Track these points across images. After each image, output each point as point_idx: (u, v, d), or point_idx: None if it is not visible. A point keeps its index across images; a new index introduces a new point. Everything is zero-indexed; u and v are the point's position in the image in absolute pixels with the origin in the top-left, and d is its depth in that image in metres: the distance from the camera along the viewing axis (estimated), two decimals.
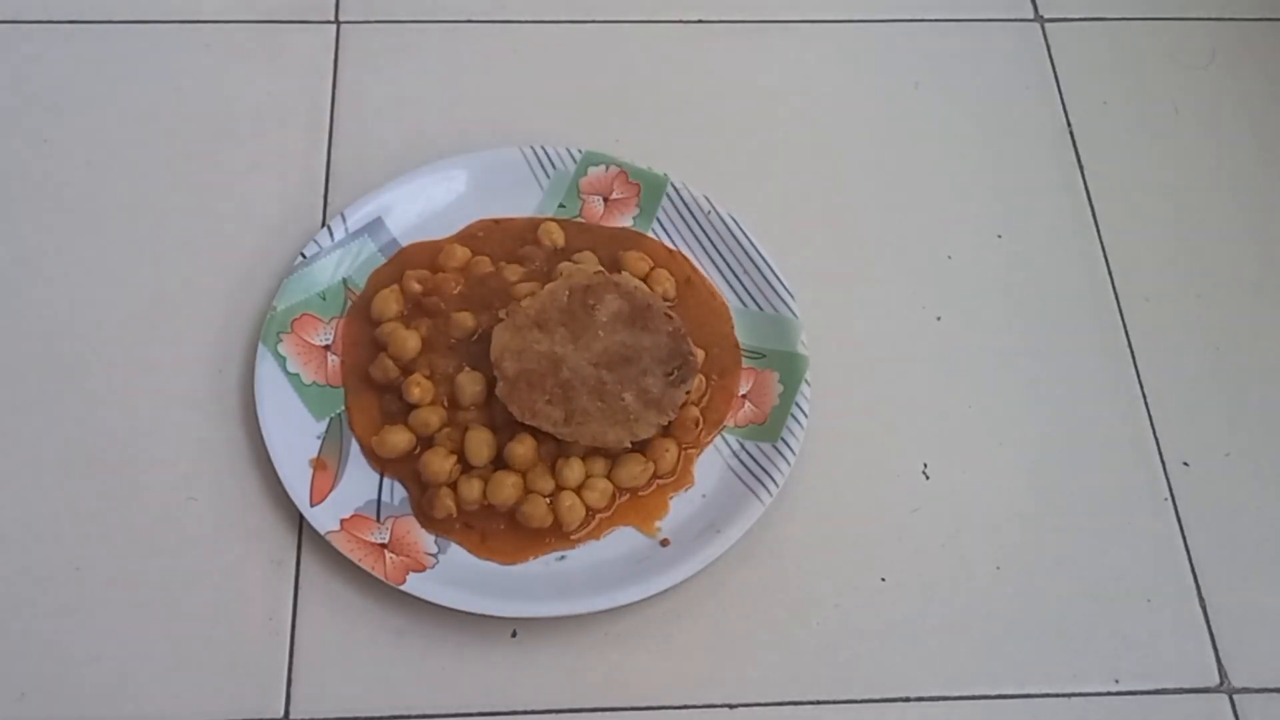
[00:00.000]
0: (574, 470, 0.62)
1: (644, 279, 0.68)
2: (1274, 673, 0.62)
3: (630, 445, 0.63)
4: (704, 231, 0.70)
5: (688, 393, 0.64)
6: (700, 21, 0.80)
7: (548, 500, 0.62)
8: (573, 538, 0.62)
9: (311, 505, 0.62)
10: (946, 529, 0.65)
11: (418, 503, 0.63)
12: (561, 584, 0.61)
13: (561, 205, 0.72)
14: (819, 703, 0.60)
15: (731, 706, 0.60)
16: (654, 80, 0.78)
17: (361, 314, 0.67)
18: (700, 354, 0.66)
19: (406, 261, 0.69)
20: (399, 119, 0.75)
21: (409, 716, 0.59)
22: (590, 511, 0.63)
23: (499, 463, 0.63)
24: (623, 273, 0.67)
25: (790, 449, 0.64)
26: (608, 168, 0.72)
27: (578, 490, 0.63)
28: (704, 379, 0.66)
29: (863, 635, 0.62)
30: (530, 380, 0.62)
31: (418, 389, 0.64)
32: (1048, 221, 0.74)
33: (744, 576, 0.63)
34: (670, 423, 0.63)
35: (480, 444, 0.63)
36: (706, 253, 0.70)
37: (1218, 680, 0.62)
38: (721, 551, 0.61)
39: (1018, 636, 0.62)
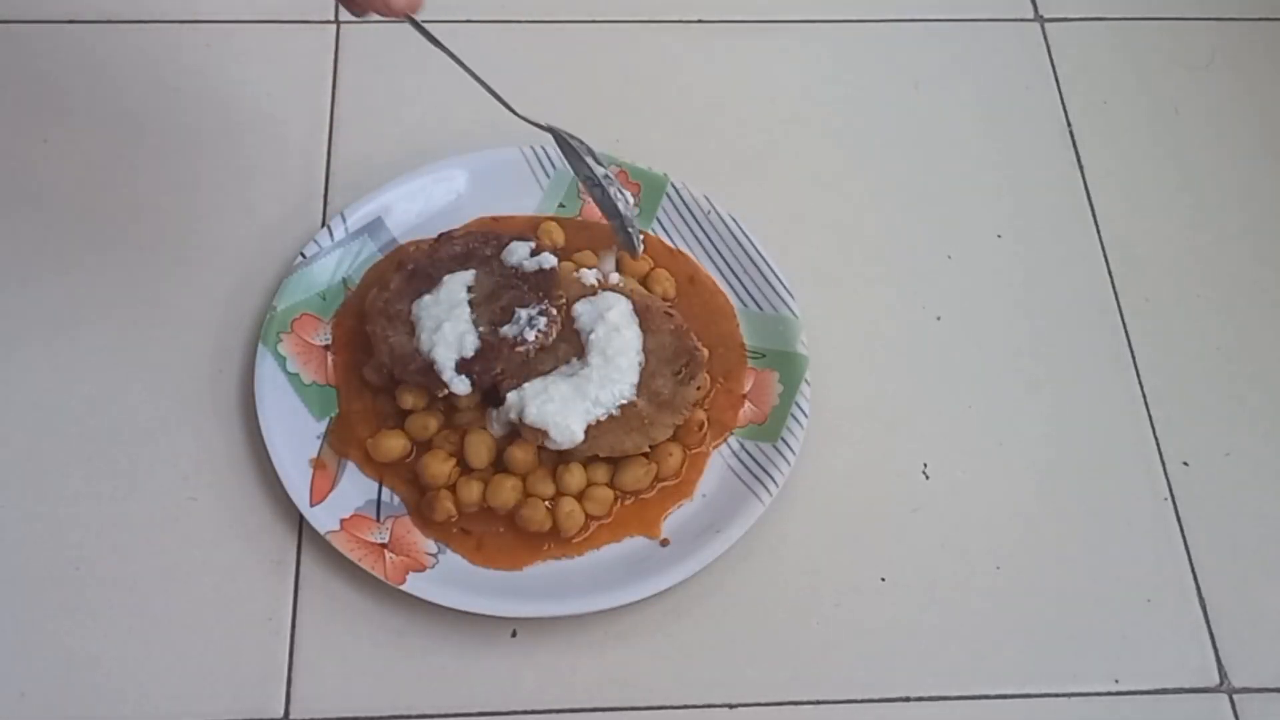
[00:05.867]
0: (575, 476, 0.62)
1: (644, 279, 0.68)
2: (1274, 673, 0.62)
3: (650, 449, 0.63)
4: (704, 231, 0.70)
5: (699, 388, 0.64)
6: (700, 21, 0.80)
7: (547, 505, 0.62)
8: (574, 541, 0.62)
9: (311, 505, 0.62)
10: (946, 529, 0.65)
11: (415, 507, 0.63)
12: (561, 584, 0.61)
13: (561, 205, 0.72)
14: (819, 703, 0.60)
15: (731, 706, 0.60)
16: (654, 80, 0.78)
17: (355, 311, 0.67)
18: (704, 351, 0.65)
19: (401, 255, 0.69)
20: (399, 119, 0.75)
21: (409, 716, 0.59)
22: (590, 518, 0.63)
23: (499, 465, 0.63)
24: (616, 277, 0.67)
25: (790, 449, 0.64)
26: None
27: (578, 497, 0.62)
28: (708, 379, 0.66)
29: (863, 635, 0.62)
30: None
31: (410, 395, 0.64)
32: (1048, 221, 0.74)
33: (744, 576, 0.63)
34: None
35: (480, 446, 0.63)
36: (706, 253, 0.70)
37: (1218, 680, 0.62)
38: (721, 551, 0.61)
39: (1018, 636, 0.62)
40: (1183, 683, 0.62)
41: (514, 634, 0.61)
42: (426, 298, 0.64)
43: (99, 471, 0.64)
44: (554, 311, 0.63)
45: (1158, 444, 0.67)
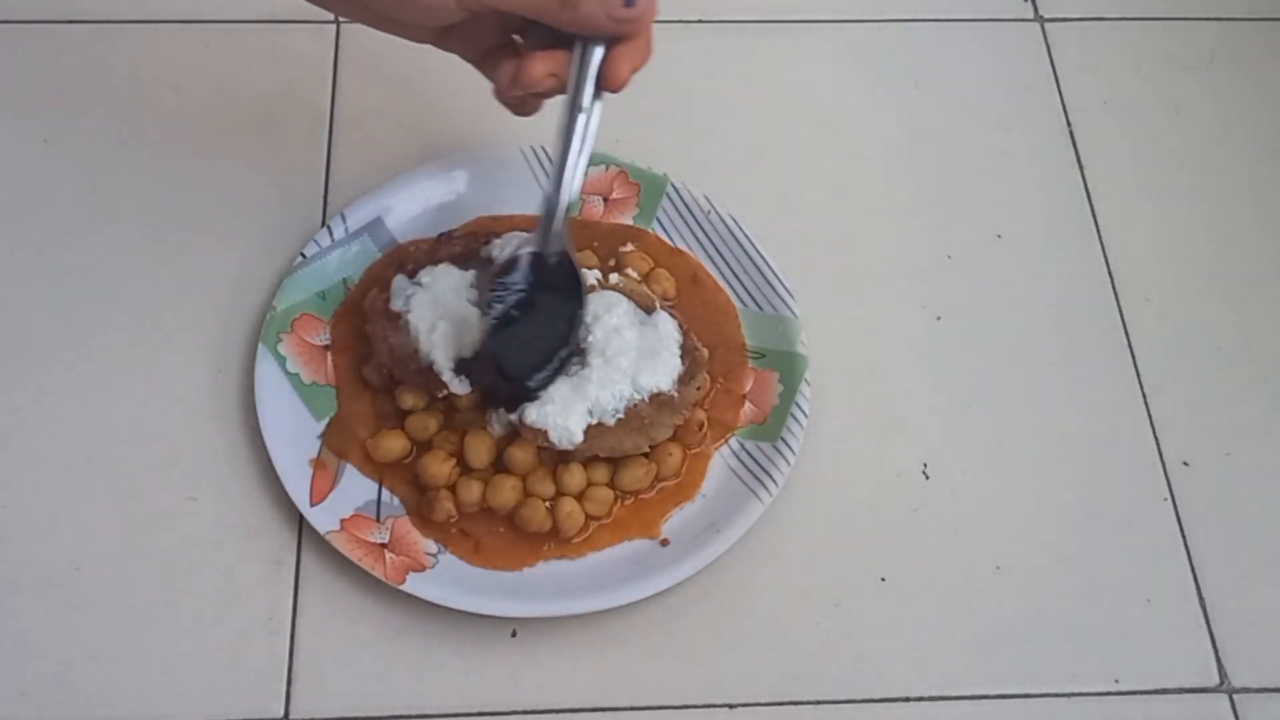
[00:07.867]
0: (575, 476, 0.62)
1: (644, 278, 0.68)
2: (1274, 673, 0.62)
3: (649, 449, 0.63)
4: (704, 231, 0.70)
5: (699, 389, 0.64)
6: (700, 21, 0.80)
7: (547, 505, 0.62)
8: (574, 541, 0.62)
9: (311, 505, 0.62)
10: (946, 529, 0.65)
11: (415, 507, 0.63)
12: (561, 584, 0.61)
13: None
14: (819, 703, 0.60)
15: (731, 706, 0.60)
16: (654, 80, 0.77)
17: (355, 311, 0.67)
18: (704, 351, 0.65)
19: (401, 255, 0.69)
20: (399, 119, 0.75)
21: (409, 716, 0.59)
22: (590, 518, 0.63)
23: (499, 465, 0.63)
24: (615, 276, 0.67)
25: (790, 449, 0.64)
26: (608, 168, 0.72)
27: (578, 497, 0.62)
28: (708, 379, 0.66)
29: (863, 635, 0.62)
30: None
31: (411, 396, 0.64)
32: (1048, 221, 0.74)
33: (744, 576, 0.63)
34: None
35: (480, 446, 0.62)
36: (706, 253, 0.70)
37: (1218, 680, 0.62)
38: (721, 551, 0.61)
39: (1018, 636, 0.62)
40: (1183, 683, 0.62)
41: (514, 634, 0.61)
42: (422, 294, 0.64)
43: (99, 471, 0.64)
44: None
45: (1158, 444, 0.67)
